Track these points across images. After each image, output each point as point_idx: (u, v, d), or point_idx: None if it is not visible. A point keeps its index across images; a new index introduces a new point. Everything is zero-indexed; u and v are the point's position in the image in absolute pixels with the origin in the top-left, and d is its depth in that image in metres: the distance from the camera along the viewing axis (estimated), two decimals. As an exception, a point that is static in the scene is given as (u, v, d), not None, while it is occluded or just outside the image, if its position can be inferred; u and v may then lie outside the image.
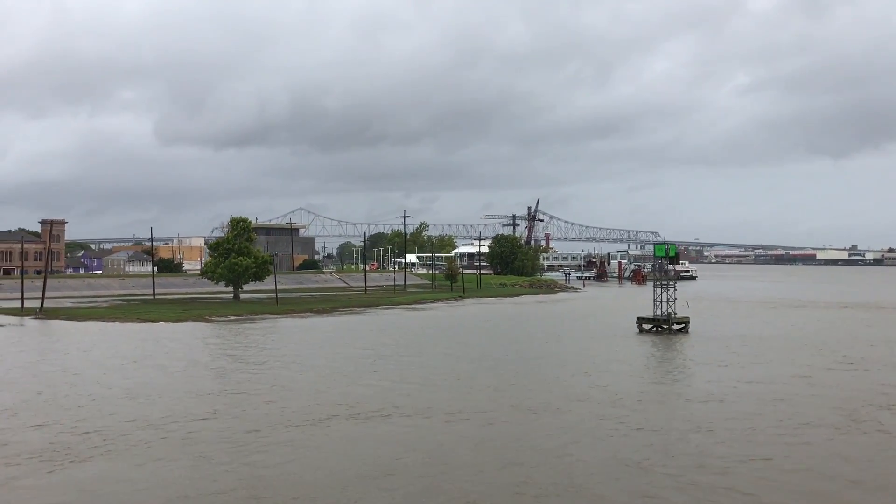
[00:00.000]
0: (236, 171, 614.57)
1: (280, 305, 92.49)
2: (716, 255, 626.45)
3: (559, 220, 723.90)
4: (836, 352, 53.24)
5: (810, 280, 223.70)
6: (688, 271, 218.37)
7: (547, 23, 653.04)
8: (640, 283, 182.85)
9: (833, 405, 34.46)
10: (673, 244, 76.38)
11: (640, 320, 68.26)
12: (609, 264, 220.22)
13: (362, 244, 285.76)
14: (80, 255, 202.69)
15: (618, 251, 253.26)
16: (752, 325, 74.09)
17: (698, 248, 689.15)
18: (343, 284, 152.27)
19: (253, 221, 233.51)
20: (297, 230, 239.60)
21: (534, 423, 31.32)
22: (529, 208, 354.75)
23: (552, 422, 31.43)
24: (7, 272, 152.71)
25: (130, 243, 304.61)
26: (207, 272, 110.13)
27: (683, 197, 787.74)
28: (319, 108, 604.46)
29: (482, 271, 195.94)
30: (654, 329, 66.65)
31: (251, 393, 37.53)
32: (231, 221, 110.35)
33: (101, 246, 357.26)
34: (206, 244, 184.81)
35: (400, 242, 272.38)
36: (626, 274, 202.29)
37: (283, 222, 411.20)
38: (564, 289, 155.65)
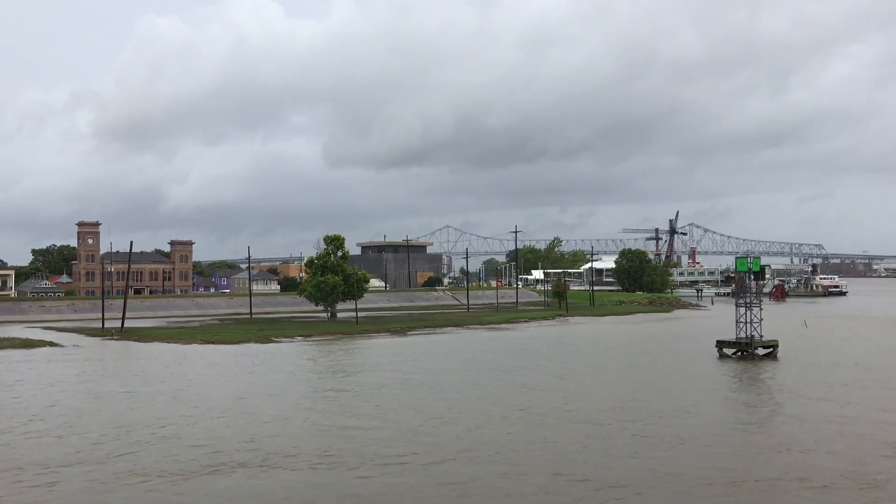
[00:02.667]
0: (398, 190, 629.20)
1: (362, 325, 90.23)
2: (885, 269, 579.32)
3: (714, 233, 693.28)
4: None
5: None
6: (837, 286, 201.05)
7: (720, 29, 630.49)
8: (779, 300, 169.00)
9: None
10: (757, 258, 67.64)
11: (721, 344, 60.61)
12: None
13: (506, 261, 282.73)
14: (212, 275, 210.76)
15: (763, 266, 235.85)
16: (860, 351, 64.37)
17: (866, 261, 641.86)
18: (454, 302, 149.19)
19: (383, 239, 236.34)
20: (423, 247, 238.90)
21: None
22: (671, 221, 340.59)
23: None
24: (137, 291, 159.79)
25: (279, 263, 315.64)
26: (302, 291, 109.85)
27: (856, 207, 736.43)
28: (482, 126, 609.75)
29: (611, 287, 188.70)
30: (738, 354, 58.92)
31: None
32: (325, 239, 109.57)
33: (259, 265, 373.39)
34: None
35: (534, 258, 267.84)
36: (768, 289, 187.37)
37: (428, 240, 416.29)
38: (688, 307, 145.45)
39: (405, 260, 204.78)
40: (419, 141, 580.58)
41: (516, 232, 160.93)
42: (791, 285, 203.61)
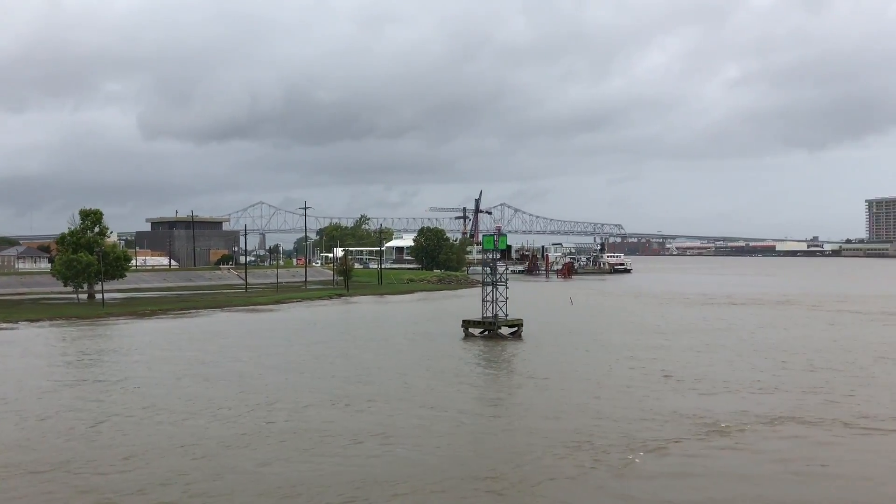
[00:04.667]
0: (218, 164, 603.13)
1: (111, 307, 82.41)
2: (677, 248, 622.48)
3: (524, 213, 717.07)
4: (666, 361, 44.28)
5: (752, 271, 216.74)
6: (622, 264, 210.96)
7: (549, 16, 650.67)
8: (566, 278, 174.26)
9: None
10: (503, 236, 66.63)
11: (467, 324, 58.87)
12: (543, 258, 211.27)
13: (318, 238, 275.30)
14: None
15: (553, 244, 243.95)
16: (611, 327, 64.99)
17: (661, 240, 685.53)
18: (239, 281, 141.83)
19: (174, 215, 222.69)
20: (219, 224, 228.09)
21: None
22: (476, 201, 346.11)
23: None
24: None
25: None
26: (55, 271, 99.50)
27: (658, 190, 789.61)
28: (311, 100, 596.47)
29: (411, 266, 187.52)
30: (484, 333, 57.37)
31: None
32: (80, 213, 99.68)
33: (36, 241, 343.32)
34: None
35: (339, 236, 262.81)
36: (556, 267, 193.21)
37: (241, 217, 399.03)
38: (477, 285, 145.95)
39: (199, 237, 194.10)
40: (244, 114, 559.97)
41: (305, 209, 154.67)
42: (581, 263, 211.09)
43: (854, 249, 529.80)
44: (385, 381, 39.15)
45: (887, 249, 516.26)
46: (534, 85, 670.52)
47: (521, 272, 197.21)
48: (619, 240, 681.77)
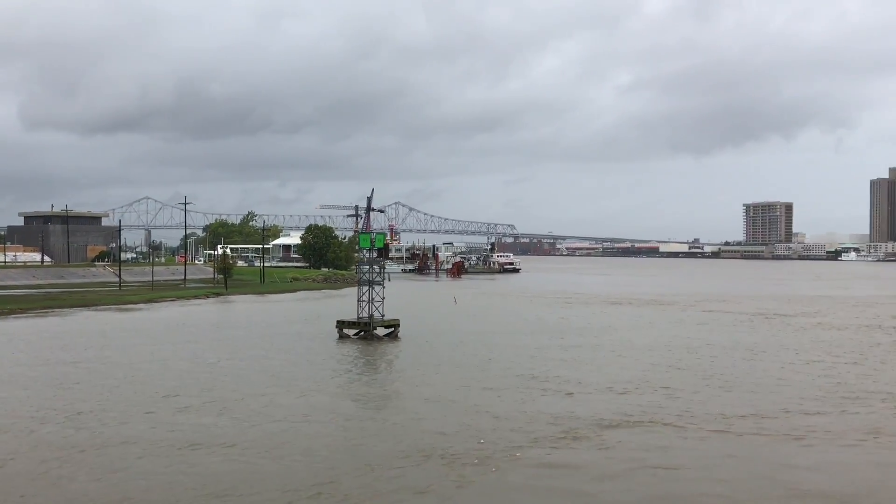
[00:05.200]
0: (105, 158, 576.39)
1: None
2: (567, 248, 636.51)
3: (419, 212, 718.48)
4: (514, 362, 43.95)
5: (635, 272, 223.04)
6: (511, 263, 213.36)
7: (449, 17, 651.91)
8: (455, 277, 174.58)
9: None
10: (381, 234, 65.49)
11: (341, 324, 57.26)
12: (434, 257, 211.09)
13: (205, 234, 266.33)
14: None
15: (444, 243, 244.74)
16: (489, 328, 64.67)
17: (552, 240, 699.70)
18: (115, 279, 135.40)
19: (50, 209, 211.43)
20: (98, 219, 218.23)
21: None
22: (368, 199, 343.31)
23: None
24: None
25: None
26: None
27: (552, 191, 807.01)
28: (204, 94, 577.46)
29: (299, 264, 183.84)
30: (359, 334, 55.92)
31: None
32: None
33: None
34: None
35: (225, 233, 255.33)
36: (446, 267, 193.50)
37: (125, 212, 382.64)
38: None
39: (75, 233, 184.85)
40: (133, 106, 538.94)
41: (186, 203, 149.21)
42: (471, 263, 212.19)
43: (732, 251, 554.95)
44: (240, 386, 37.22)
45: (762, 251, 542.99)
46: (432, 84, 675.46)
47: (411, 271, 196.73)
48: (511, 240, 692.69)
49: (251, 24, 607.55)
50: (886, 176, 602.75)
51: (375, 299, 56.66)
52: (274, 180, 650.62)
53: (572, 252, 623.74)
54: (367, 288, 56.88)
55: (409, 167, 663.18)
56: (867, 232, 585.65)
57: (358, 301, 57.30)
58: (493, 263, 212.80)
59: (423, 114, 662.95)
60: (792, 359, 46.52)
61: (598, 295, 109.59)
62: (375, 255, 58.93)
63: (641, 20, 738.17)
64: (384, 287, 57.89)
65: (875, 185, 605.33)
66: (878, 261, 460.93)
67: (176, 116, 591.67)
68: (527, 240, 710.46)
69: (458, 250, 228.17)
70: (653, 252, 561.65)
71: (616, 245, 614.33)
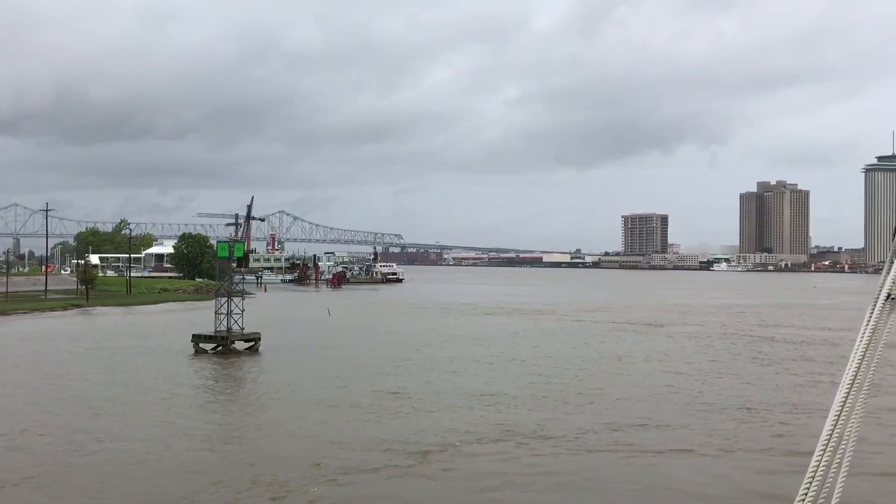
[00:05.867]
0: None
1: None
2: (454, 258, 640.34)
3: (304, 221, 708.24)
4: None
5: (519, 282, 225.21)
6: (395, 273, 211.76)
7: (340, 25, 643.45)
8: (336, 287, 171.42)
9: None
10: (240, 242, 62.83)
11: (197, 338, 53.94)
12: (314, 267, 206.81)
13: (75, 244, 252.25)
14: None
15: (325, 253, 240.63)
16: (361, 341, 62.57)
17: (438, 250, 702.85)
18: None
19: None
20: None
21: None
22: (248, 207, 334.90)
23: None
24: None
25: None
26: None
27: (440, 202, 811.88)
28: (84, 97, 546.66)
29: (172, 274, 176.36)
30: (217, 348, 52.76)
31: None
32: None
33: None
34: None
35: (96, 242, 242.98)
36: (327, 276, 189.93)
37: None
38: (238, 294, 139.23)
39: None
40: (5, 108, 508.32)
41: (47, 211, 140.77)
42: (354, 273, 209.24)
43: (611, 261, 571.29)
44: (73, 406, 33.84)
45: (640, 261, 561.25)
46: (322, 93, 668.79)
47: (291, 281, 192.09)
48: (398, 250, 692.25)
49: (135, 26, 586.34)
50: (755, 189, 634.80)
51: (235, 311, 53.70)
52: (155, 188, 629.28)
53: (459, 262, 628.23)
54: (226, 300, 53.85)
55: (296, 176, 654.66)
56: (737, 243, 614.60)
57: (215, 314, 54.18)
58: (377, 273, 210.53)
59: (312, 122, 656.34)
60: (654, 368, 46.50)
61: (476, 305, 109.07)
62: (235, 264, 55.92)
63: (530, 35, 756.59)
64: (243, 299, 54.98)
65: (744, 198, 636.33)
66: (747, 270, 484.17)
67: (52, 120, 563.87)
68: (414, 250, 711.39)
69: (340, 260, 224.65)
70: (537, 262, 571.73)
71: (502, 255, 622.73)
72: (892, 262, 5.35)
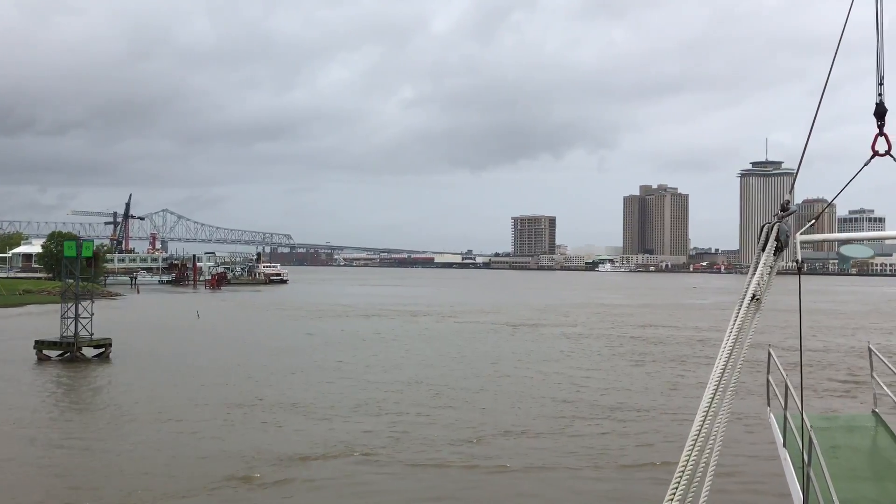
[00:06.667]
0: None
1: None
2: (345, 259, 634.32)
3: (189, 220, 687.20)
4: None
5: (403, 282, 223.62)
6: (279, 274, 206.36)
7: (235, 22, 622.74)
8: (215, 289, 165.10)
9: None
10: (89, 241, 58.88)
11: (40, 344, 49.53)
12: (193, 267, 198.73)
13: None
14: None
15: (206, 253, 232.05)
16: (224, 346, 59.14)
17: (329, 251, 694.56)
18: None
19: None
20: None
21: None
22: (126, 205, 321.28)
23: None
24: None
25: None
26: None
27: (334, 202, 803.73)
28: None
29: (40, 275, 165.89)
30: (64, 355, 48.49)
31: None
32: None
33: None
34: None
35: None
36: (206, 277, 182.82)
37: None
38: (108, 296, 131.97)
39: None
40: None
41: None
42: (236, 273, 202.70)
43: (501, 262, 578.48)
44: None
45: (528, 262, 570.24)
46: (214, 90, 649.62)
47: (168, 282, 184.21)
48: (287, 250, 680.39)
49: (16, 16, 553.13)
50: (637, 193, 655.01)
51: (83, 315, 49.55)
52: (34, 185, 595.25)
53: (350, 263, 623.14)
54: (73, 303, 49.66)
55: (185, 174, 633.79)
56: (621, 244, 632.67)
57: (61, 318, 49.89)
58: (259, 274, 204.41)
59: (202, 119, 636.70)
60: (526, 372, 45.32)
61: (359, 307, 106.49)
62: (86, 264, 51.70)
63: (427, 38, 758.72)
64: (92, 302, 50.87)
65: (627, 201, 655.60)
66: (630, 271, 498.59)
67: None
68: (304, 250, 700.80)
69: (222, 260, 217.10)
70: (428, 263, 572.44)
71: (393, 256, 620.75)
72: (757, 266, 5.92)
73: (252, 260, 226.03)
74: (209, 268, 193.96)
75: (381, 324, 79.24)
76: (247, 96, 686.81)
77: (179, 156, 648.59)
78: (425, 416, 32.38)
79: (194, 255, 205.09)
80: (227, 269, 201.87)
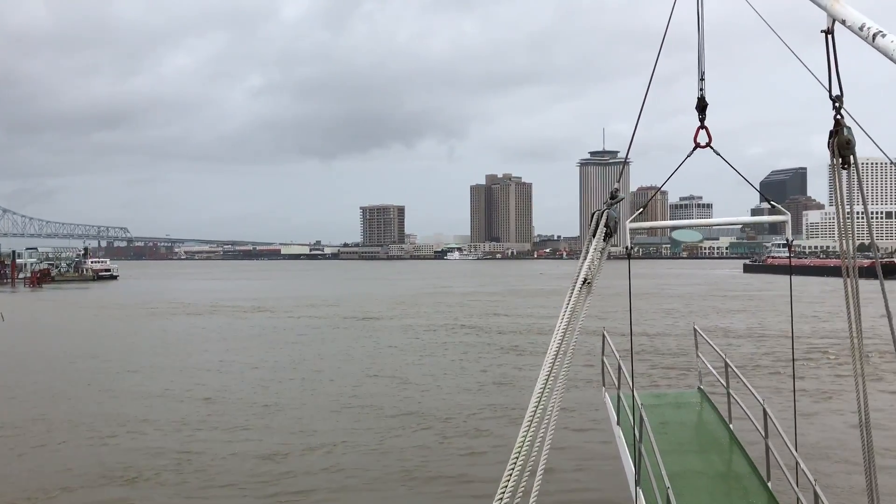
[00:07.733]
0: None
1: None
2: (186, 252, 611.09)
3: (16, 214, 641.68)
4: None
5: (246, 275, 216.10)
6: (108, 270, 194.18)
7: (73, 6, 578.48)
8: (35, 287, 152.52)
9: None
10: None
11: None
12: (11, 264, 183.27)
13: None
14: None
15: (27, 248, 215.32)
16: (30, 356, 52.85)
17: (169, 244, 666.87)
18: None
19: None
20: None
21: None
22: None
23: None
24: None
25: None
26: None
27: (176, 193, 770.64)
28: None
29: None
30: None
31: None
32: None
33: None
34: None
35: None
36: (25, 275, 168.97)
37: None
38: None
39: None
40: None
41: None
42: (62, 269, 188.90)
43: (351, 252, 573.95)
44: None
45: (378, 252, 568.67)
46: (48, 76, 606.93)
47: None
48: (125, 244, 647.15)
49: None
50: (483, 182, 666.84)
51: None
52: None
53: (192, 256, 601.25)
54: None
55: (15, 165, 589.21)
56: (469, 233, 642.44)
57: None
58: (87, 270, 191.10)
59: (35, 106, 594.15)
60: (352, 371, 42.48)
61: (191, 304, 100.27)
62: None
63: (277, 25, 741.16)
64: None
65: (474, 190, 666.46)
66: (478, 259, 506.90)
67: None
68: (142, 244, 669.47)
69: (44, 256, 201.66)
70: (275, 254, 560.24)
71: (238, 248, 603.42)
72: (588, 251, 6.33)
73: (79, 255, 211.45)
74: (31, 264, 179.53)
75: (212, 322, 74.12)
76: (85, 83, 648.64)
77: (9, 146, 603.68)
78: (215, 430, 28.84)
79: (14, 251, 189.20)
80: (52, 265, 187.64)
